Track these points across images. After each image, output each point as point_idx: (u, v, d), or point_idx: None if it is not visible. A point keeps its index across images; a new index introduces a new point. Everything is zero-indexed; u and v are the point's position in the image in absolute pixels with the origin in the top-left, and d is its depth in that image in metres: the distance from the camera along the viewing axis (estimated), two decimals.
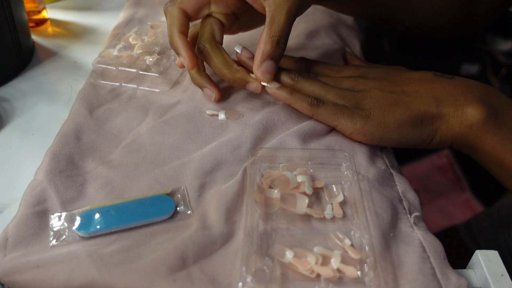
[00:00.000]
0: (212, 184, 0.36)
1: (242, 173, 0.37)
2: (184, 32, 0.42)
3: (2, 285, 0.29)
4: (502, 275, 0.31)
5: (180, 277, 0.29)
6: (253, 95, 0.46)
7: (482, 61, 0.80)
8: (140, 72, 0.48)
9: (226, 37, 0.45)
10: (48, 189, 0.35)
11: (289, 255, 0.30)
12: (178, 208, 0.34)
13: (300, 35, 0.58)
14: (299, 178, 0.35)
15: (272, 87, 0.41)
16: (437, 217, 0.95)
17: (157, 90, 0.48)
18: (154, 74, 0.48)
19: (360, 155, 0.39)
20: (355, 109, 0.40)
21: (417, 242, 0.32)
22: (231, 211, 0.34)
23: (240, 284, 0.29)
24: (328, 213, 0.34)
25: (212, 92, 0.44)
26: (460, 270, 0.32)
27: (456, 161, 0.99)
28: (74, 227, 0.32)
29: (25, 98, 0.50)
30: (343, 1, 0.53)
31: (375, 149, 0.41)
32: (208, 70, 0.46)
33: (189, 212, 0.34)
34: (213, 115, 0.44)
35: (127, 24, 0.59)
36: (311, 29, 0.59)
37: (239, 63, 0.44)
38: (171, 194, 0.35)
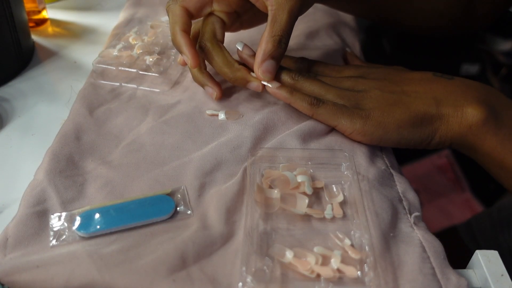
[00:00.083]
0: (212, 184, 0.37)
1: (242, 173, 0.37)
2: (186, 30, 0.42)
3: (2, 285, 0.29)
4: (502, 275, 0.31)
5: (180, 277, 0.29)
6: (254, 94, 0.46)
7: (482, 61, 0.80)
8: (140, 72, 0.48)
9: (227, 36, 0.45)
10: (48, 189, 0.35)
11: (289, 255, 0.30)
12: (178, 208, 0.34)
13: (300, 35, 0.58)
14: (299, 178, 0.35)
15: (272, 87, 0.41)
16: (437, 217, 0.95)
17: (157, 90, 0.48)
18: (154, 74, 0.48)
19: (360, 155, 0.39)
20: (354, 109, 0.40)
21: (417, 242, 0.32)
22: (231, 211, 0.34)
23: (240, 284, 0.29)
24: (328, 213, 0.34)
25: (213, 90, 0.44)
26: (460, 270, 0.32)
27: (456, 161, 0.99)
28: (74, 227, 0.32)
29: (25, 98, 0.50)
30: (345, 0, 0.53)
31: (375, 149, 0.41)
32: (209, 69, 0.46)
33: (189, 212, 0.34)
34: (213, 115, 0.44)
35: (127, 24, 0.59)
36: (311, 29, 0.59)
37: (240, 62, 0.44)
38: (171, 194, 0.35)
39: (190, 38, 0.42)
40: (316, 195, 0.36)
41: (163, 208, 0.34)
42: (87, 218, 0.33)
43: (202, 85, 0.45)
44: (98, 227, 0.32)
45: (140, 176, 0.37)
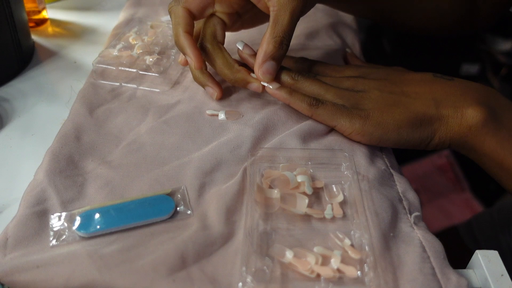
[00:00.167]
0: (212, 184, 0.37)
1: (242, 173, 0.37)
2: (189, 31, 0.42)
3: (2, 285, 0.29)
4: (502, 275, 0.31)
5: (180, 277, 0.29)
6: (254, 94, 0.46)
7: (482, 61, 0.80)
8: (140, 72, 0.48)
9: (227, 35, 0.45)
10: (48, 189, 0.35)
11: (289, 255, 0.30)
12: (178, 208, 0.34)
13: (300, 35, 0.58)
14: (299, 178, 0.35)
15: (272, 88, 0.41)
16: (437, 217, 0.95)
17: (157, 90, 0.48)
18: (154, 74, 0.48)
19: (360, 155, 0.39)
20: (354, 109, 0.40)
21: (417, 242, 0.32)
22: (231, 211, 0.34)
23: (240, 284, 0.29)
24: (328, 213, 0.34)
25: (214, 90, 0.44)
26: (460, 270, 0.32)
27: (456, 161, 0.99)
28: (74, 227, 0.32)
29: (25, 98, 0.50)
30: (346, 0, 0.53)
31: (375, 149, 0.41)
32: (209, 69, 0.46)
33: (189, 212, 0.34)
34: (213, 115, 0.44)
35: (127, 24, 0.59)
36: (311, 29, 0.59)
37: (240, 62, 0.44)
38: (171, 194, 0.35)
39: (193, 39, 0.42)
40: (316, 195, 0.36)
41: (163, 208, 0.34)
42: (87, 218, 0.33)
43: (203, 85, 0.45)
44: (98, 227, 0.32)
45: (140, 176, 0.37)
